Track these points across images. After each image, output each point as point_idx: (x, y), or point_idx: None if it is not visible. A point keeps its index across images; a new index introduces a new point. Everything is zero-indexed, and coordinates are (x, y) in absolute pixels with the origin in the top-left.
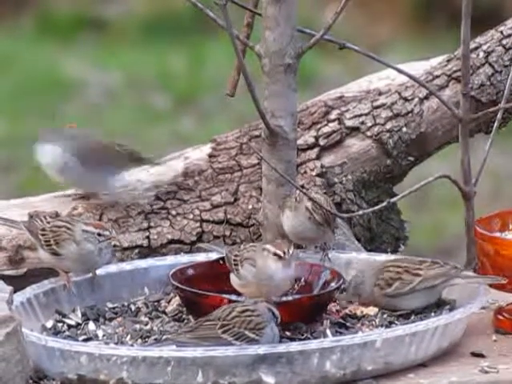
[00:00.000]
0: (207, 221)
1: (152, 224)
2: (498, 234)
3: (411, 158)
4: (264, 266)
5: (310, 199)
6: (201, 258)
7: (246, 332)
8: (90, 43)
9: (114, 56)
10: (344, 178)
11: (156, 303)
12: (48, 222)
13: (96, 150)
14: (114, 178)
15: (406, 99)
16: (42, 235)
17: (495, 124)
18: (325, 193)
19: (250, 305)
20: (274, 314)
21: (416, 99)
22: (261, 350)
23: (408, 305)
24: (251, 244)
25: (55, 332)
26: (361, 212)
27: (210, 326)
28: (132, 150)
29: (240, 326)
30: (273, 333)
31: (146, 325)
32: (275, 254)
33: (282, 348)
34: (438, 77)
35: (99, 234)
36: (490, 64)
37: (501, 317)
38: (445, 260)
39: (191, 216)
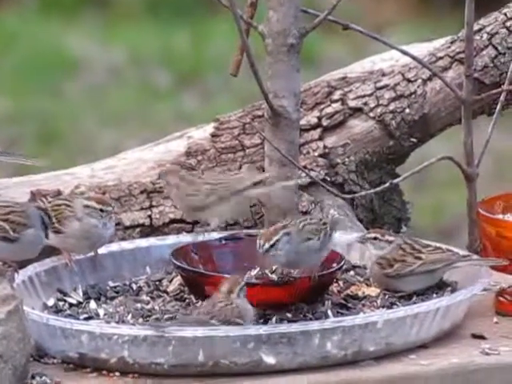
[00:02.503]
0: None
1: (154, 203)
2: (500, 217)
3: (414, 140)
4: None
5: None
6: (202, 237)
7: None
8: (94, 21)
9: (117, 33)
10: (347, 159)
11: (157, 282)
12: (49, 202)
13: None
14: None
15: (409, 80)
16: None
17: (498, 106)
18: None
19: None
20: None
21: (419, 80)
22: (262, 330)
23: (407, 286)
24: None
25: (56, 310)
26: (363, 193)
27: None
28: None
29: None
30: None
31: (148, 304)
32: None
33: (283, 328)
34: (441, 58)
35: (101, 210)
36: (494, 46)
37: (502, 299)
38: (447, 244)
39: None
